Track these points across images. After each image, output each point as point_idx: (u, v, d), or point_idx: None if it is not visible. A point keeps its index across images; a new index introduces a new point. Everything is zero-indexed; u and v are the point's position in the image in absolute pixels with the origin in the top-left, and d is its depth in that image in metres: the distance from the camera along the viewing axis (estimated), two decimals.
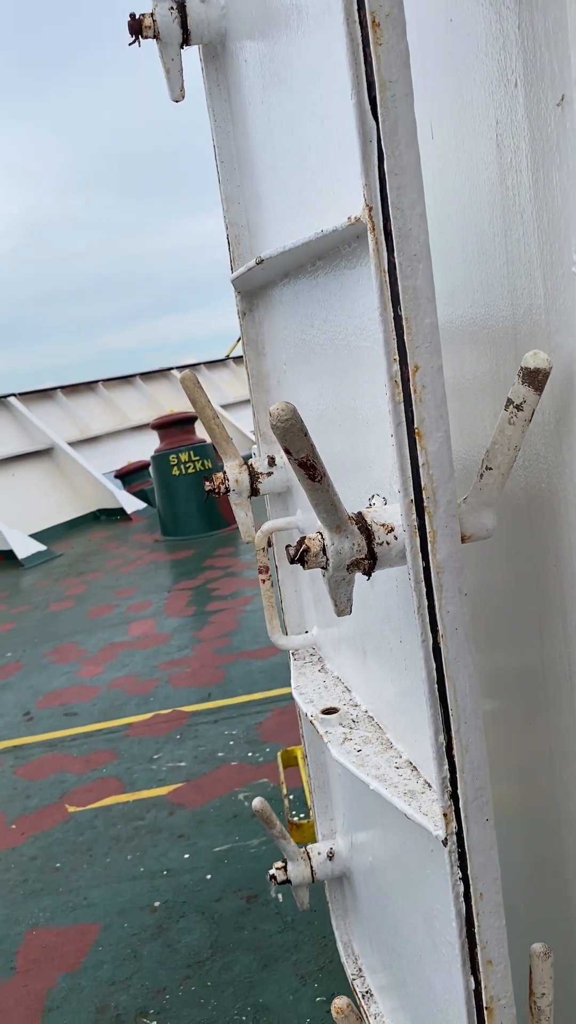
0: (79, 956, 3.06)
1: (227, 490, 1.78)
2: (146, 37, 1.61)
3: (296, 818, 2.97)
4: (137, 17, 1.60)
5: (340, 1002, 1.36)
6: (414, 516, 0.96)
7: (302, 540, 1.03)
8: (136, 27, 1.60)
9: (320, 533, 1.03)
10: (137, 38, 1.61)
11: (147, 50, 1.67)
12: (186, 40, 1.64)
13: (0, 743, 5.08)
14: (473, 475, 1.06)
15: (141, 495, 12.44)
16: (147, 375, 16.79)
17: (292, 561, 1.04)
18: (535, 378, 0.97)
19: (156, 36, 1.61)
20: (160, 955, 2.99)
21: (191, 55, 1.70)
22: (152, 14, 1.60)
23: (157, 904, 3.28)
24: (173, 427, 10.51)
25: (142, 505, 12.28)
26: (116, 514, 12.35)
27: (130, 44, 1.61)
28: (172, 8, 1.60)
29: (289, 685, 1.77)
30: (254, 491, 1.81)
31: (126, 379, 16.51)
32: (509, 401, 1.00)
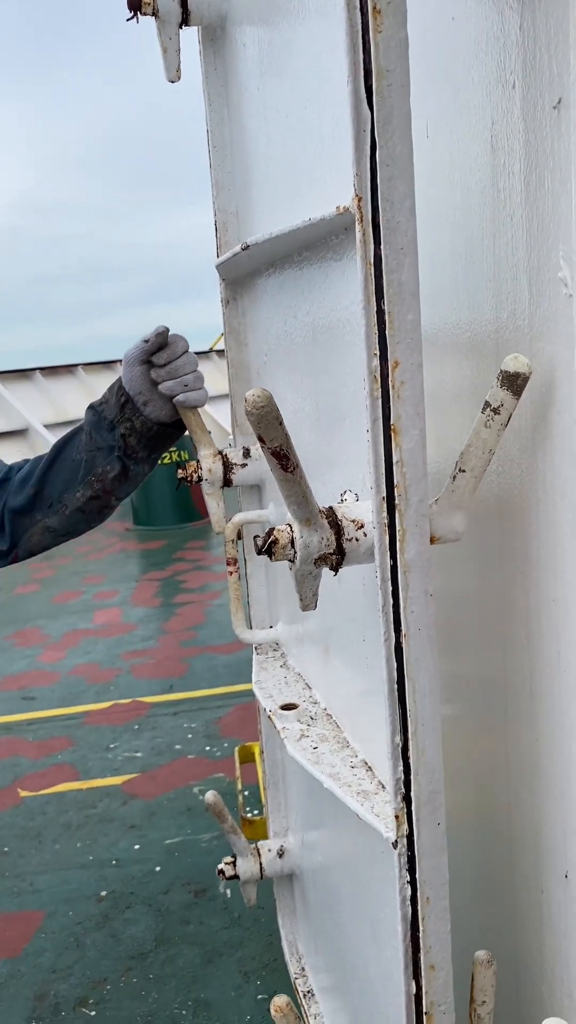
0: (21, 942, 3.03)
1: (200, 479, 1.75)
2: (144, 14, 1.59)
3: (249, 814, 2.96)
4: None
5: (280, 1000, 1.35)
6: (384, 513, 0.95)
7: (271, 531, 1.01)
8: (135, 3, 1.58)
9: (289, 525, 1.01)
10: (136, 14, 1.58)
11: (151, 36, 1.64)
12: (185, 20, 1.61)
13: None
14: (445, 480, 1.05)
15: None
16: None
17: (259, 552, 1.02)
18: (514, 382, 0.96)
19: (155, 13, 1.59)
20: (103, 945, 2.96)
21: (190, 36, 1.68)
22: None
23: (104, 894, 3.25)
24: None
25: None
26: None
27: (128, 20, 1.58)
28: None
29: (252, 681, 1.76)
30: (227, 482, 1.79)
31: (107, 364, 16.37)
32: (487, 404, 0.99)
